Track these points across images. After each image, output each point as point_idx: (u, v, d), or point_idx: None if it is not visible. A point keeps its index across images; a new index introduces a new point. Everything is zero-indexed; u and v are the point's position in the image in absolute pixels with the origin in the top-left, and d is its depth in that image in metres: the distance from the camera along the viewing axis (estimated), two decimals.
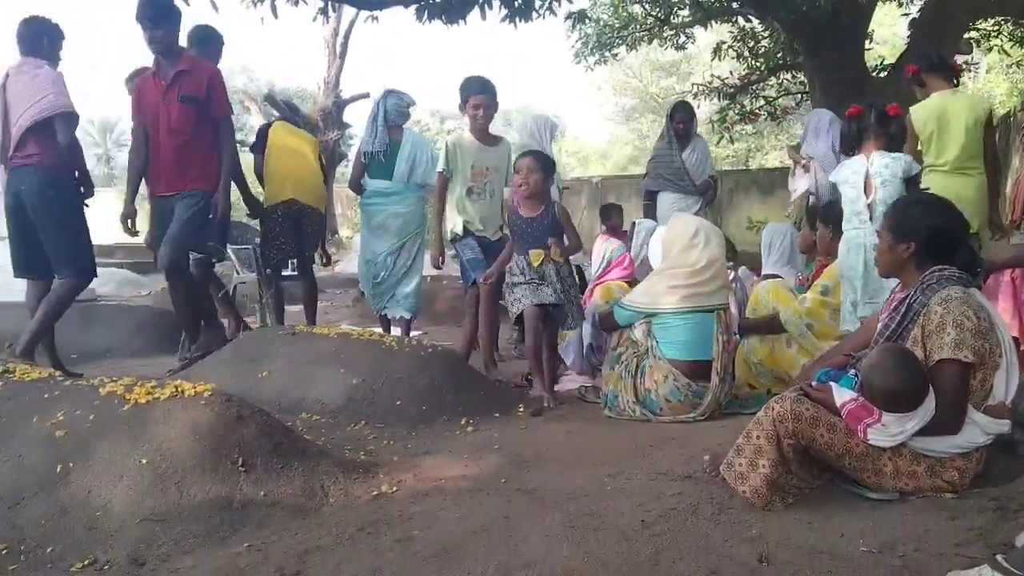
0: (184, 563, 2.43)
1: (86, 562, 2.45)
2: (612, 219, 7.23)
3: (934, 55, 5.17)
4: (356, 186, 6.02)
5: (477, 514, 2.74)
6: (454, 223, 5.35)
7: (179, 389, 3.07)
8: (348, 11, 16.32)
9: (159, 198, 5.10)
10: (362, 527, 2.63)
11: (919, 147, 4.88)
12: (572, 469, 3.28)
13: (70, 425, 2.96)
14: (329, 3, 9.76)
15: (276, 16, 8.61)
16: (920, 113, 4.84)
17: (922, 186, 4.34)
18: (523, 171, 4.66)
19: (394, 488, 3.01)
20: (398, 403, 4.07)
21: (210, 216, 5.02)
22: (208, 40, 5.59)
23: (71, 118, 4.88)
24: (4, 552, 2.51)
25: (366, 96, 26.46)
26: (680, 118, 6.88)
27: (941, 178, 4.69)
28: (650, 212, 6.87)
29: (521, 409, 4.32)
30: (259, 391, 4.04)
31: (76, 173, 5.14)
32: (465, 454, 3.51)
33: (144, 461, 2.78)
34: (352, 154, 23.11)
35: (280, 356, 4.42)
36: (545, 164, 4.75)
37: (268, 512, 2.74)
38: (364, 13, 9.18)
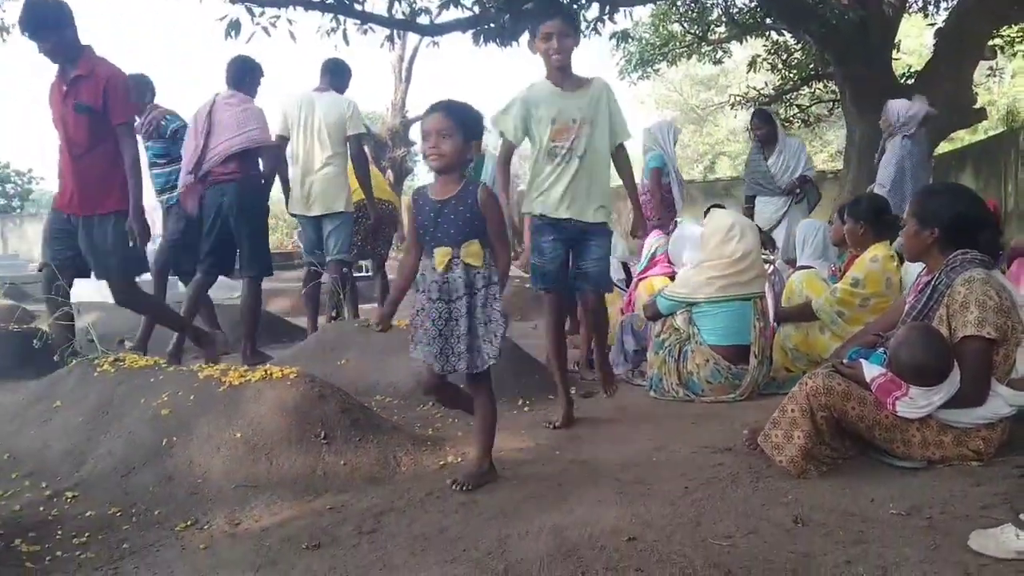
0: (274, 522, 2.50)
1: (188, 523, 2.54)
2: None
3: None
4: None
5: (533, 482, 2.77)
6: (530, 206, 3.72)
7: (268, 372, 3.16)
8: (412, 37, 16.44)
9: (58, 212, 4.36)
10: (431, 492, 2.68)
11: None
12: (621, 444, 3.28)
13: (174, 405, 3.07)
14: (395, 30, 9.88)
15: (347, 43, 8.74)
16: None
17: None
18: (432, 133, 2.74)
19: (459, 459, 3.05)
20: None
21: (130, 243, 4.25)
22: (339, 71, 5.86)
23: (270, 148, 5.44)
24: (118, 514, 2.62)
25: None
26: (756, 125, 6.71)
27: None
28: (750, 216, 6.52)
29: (573, 391, 4.32)
30: (338, 376, 4.12)
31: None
32: (522, 430, 3.54)
33: (238, 435, 2.87)
34: (419, 169, 23.18)
35: (356, 346, 4.50)
36: (465, 121, 2.78)
37: (347, 479, 2.81)
38: (427, 39, 9.26)
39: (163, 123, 5.58)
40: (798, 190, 6.50)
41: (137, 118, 5.24)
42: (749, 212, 6.64)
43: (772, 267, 5.29)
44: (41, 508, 2.68)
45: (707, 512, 2.37)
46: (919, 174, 5.77)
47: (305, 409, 2.97)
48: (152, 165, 5.64)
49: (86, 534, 2.47)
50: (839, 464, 2.72)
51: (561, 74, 3.61)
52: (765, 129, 6.65)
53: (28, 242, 21.77)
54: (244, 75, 5.30)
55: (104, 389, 3.34)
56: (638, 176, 5.22)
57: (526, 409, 3.98)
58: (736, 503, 2.45)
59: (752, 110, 7.05)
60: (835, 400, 2.63)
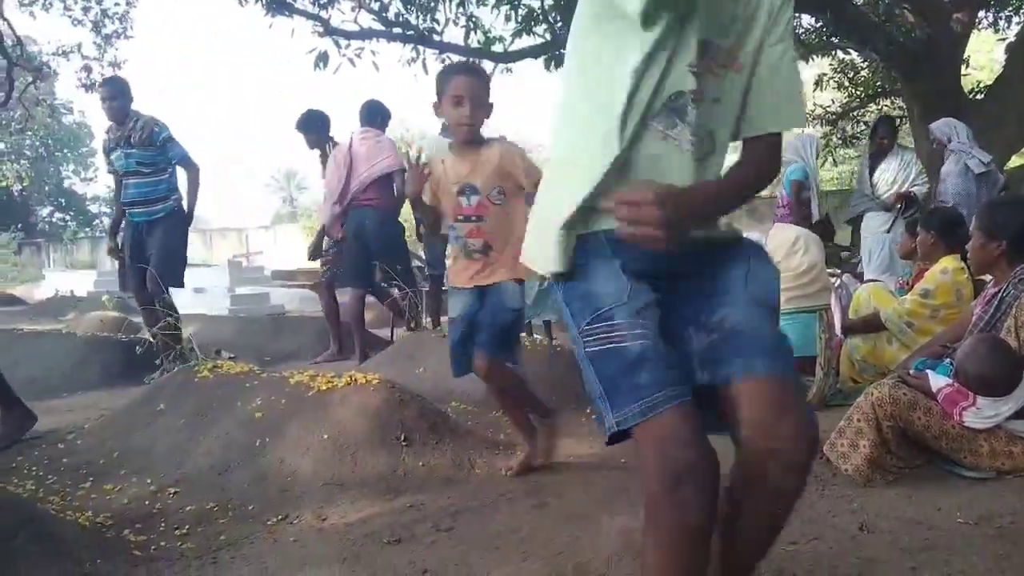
0: (358, 519, 2.56)
1: (279, 517, 2.63)
2: None
3: None
4: None
5: (602, 486, 2.77)
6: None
7: (353, 378, 3.25)
8: (487, 64, 16.65)
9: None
10: (503, 494, 2.71)
11: None
12: None
13: (266, 409, 3.18)
14: (470, 59, 10.04)
15: (427, 73, 8.94)
16: None
17: None
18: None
19: None
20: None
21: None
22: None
23: (403, 173, 5.52)
24: (216, 509, 2.72)
25: (503, 139, 27.03)
26: (882, 134, 6.23)
27: None
28: (826, 233, 6.08)
29: None
30: (416, 383, 4.19)
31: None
32: (590, 437, 3.54)
33: (325, 436, 2.96)
34: None
35: (433, 354, 4.57)
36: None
37: (425, 479, 2.86)
38: (500, 65, 9.39)
39: (155, 130, 5.20)
40: (899, 205, 6.00)
41: (115, 125, 5.24)
42: (826, 230, 6.20)
43: (839, 280, 5.16)
44: (146, 502, 2.81)
45: None
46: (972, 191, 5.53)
47: (387, 413, 3.04)
48: (133, 174, 5.23)
49: (187, 526, 2.57)
50: (905, 473, 2.64)
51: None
52: (890, 139, 6.23)
53: None
54: (375, 115, 5.79)
55: (203, 394, 3.48)
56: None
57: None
58: (801, 510, 2.39)
59: (878, 118, 6.60)
60: (901, 410, 2.56)
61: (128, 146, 5.16)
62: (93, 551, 2.29)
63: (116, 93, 5.17)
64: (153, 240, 5.19)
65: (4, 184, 31.99)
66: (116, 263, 5.48)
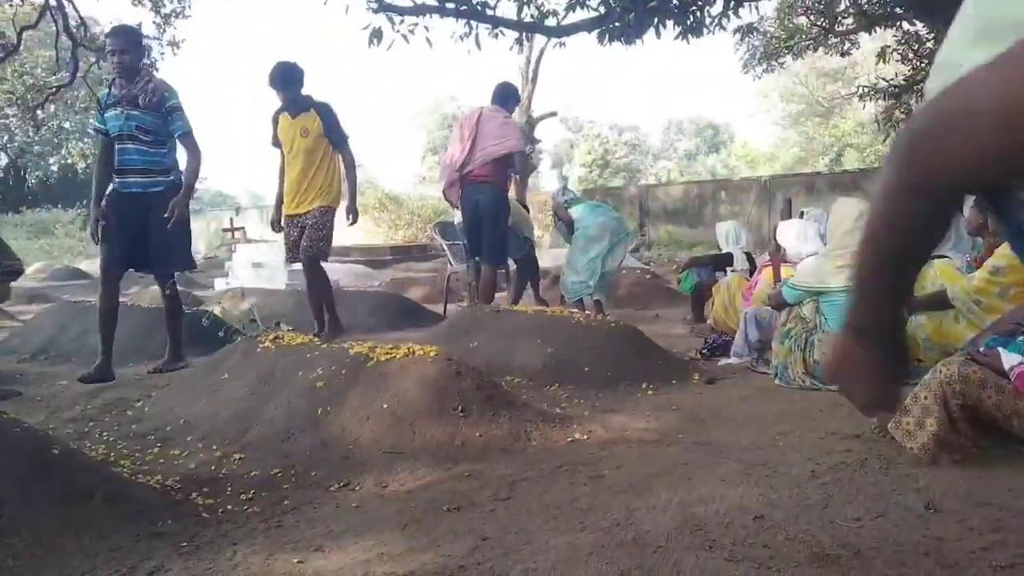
0: (418, 486, 2.61)
1: (341, 484, 2.69)
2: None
3: None
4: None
5: (658, 460, 2.76)
6: None
7: (411, 350, 3.29)
8: (540, 39, 16.54)
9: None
10: (560, 465, 2.72)
11: None
12: (745, 427, 3.23)
13: (328, 378, 3.24)
14: (523, 33, 9.97)
15: (479, 48, 8.96)
16: None
17: None
18: None
19: (586, 435, 3.08)
20: (586, 369, 4.14)
21: None
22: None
23: (524, 155, 6.16)
24: (279, 475, 2.79)
25: (554, 115, 26.88)
26: None
27: None
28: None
29: (697, 377, 4.28)
30: (471, 357, 4.23)
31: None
32: (646, 412, 3.53)
33: (385, 406, 3.01)
34: (543, 166, 23.49)
35: (487, 329, 4.60)
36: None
37: (482, 449, 2.89)
38: (553, 40, 9.30)
39: (165, 95, 4.62)
40: None
41: (123, 82, 4.63)
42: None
43: None
44: (212, 467, 2.90)
45: (835, 495, 2.30)
46: None
47: (444, 384, 3.08)
48: (129, 138, 4.62)
49: (252, 491, 2.64)
50: (973, 453, 2.57)
51: None
52: None
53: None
54: (508, 97, 6.19)
55: (265, 363, 3.56)
56: None
57: (650, 393, 3.97)
58: (865, 487, 2.36)
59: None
60: (970, 388, 2.49)
61: (131, 106, 4.58)
62: (164, 512, 2.38)
63: (128, 44, 4.57)
64: (155, 217, 4.54)
65: (69, 162, 32.98)
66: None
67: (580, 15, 8.95)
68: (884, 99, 12.27)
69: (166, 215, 4.49)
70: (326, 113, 5.43)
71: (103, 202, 4.69)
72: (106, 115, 4.69)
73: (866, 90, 12.45)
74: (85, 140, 33.24)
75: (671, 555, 1.95)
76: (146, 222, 4.61)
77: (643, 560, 1.94)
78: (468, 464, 2.77)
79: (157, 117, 4.63)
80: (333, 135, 5.42)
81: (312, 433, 3.02)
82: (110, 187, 4.75)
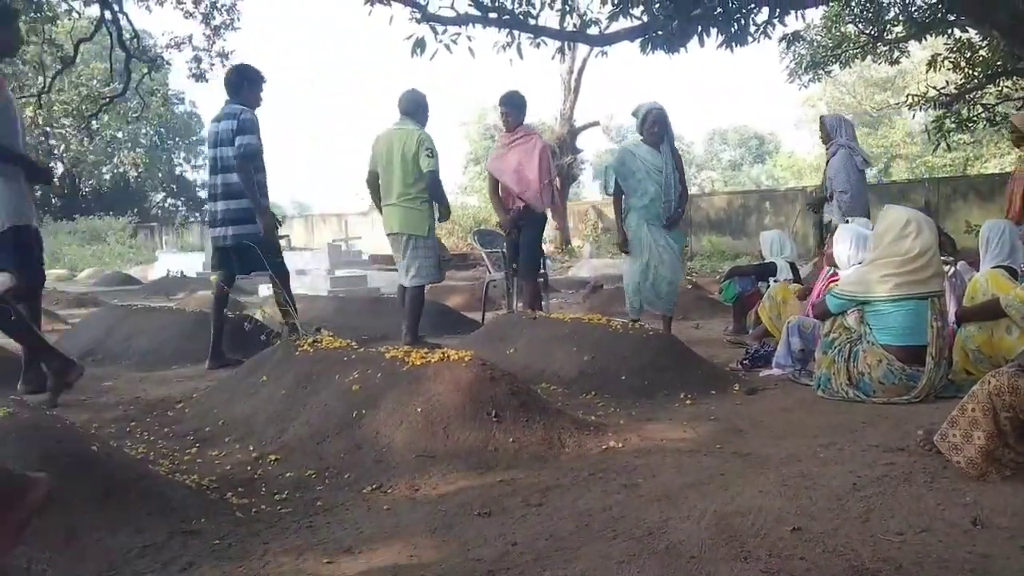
0: (449, 490, 2.59)
1: (374, 486, 2.69)
2: None
3: None
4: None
5: (695, 470, 2.71)
6: None
7: (446, 355, 3.28)
8: (582, 49, 16.55)
9: None
10: (594, 472, 2.69)
11: None
12: (785, 438, 3.15)
13: (363, 382, 3.25)
14: (565, 42, 9.98)
15: (521, 57, 8.94)
16: None
17: None
18: None
19: (621, 444, 3.04)
20: (623, 377, 4.09)
21: None
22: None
23: (549, 187, 6.00)
24: (313, 476, 2.81)
25: (596, 124, 26.83)
26: None
27: None
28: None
29: (737, 388, 4.20)
30: (507, 364, 4.21)
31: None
32: (684, 421, 3.48)
33: (419, 410, 3.00)
34: (585, 176, 23.48)
35: (523, 336, 4.58)
36: None
37: (515, 455, 2.87)
38: (596, 49, 9.28)
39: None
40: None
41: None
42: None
43: (953, 268, 4.88)
44: (248, 468, 2.92)
45: (876, 509, 2.23)
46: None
47: (478, 389, 3.06)
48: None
49: (285, 491, 2.66)
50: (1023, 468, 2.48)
51: None
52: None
53: None
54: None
55: (303, 367, 3.59)
56: None
57: (688, 403, 3.90)
58: (908, 502, 2.29)
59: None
60: (1021, 401, 2.39)
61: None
62: (198, 510, 2.40)
63: None
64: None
65: (122, 171, 33.91)
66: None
67: (623, 24, 8.93)
68: (934, 108, 12.00)
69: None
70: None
71: None
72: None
73: (916, 99, 12.18)
74: (137, 150, 34.23)
75: (705, 566, 1.91)
76: None
77: (676, 570, 1.90)
78: (500, 470, 2.75)
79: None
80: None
81: (347, 435, 3.03)
82: None
